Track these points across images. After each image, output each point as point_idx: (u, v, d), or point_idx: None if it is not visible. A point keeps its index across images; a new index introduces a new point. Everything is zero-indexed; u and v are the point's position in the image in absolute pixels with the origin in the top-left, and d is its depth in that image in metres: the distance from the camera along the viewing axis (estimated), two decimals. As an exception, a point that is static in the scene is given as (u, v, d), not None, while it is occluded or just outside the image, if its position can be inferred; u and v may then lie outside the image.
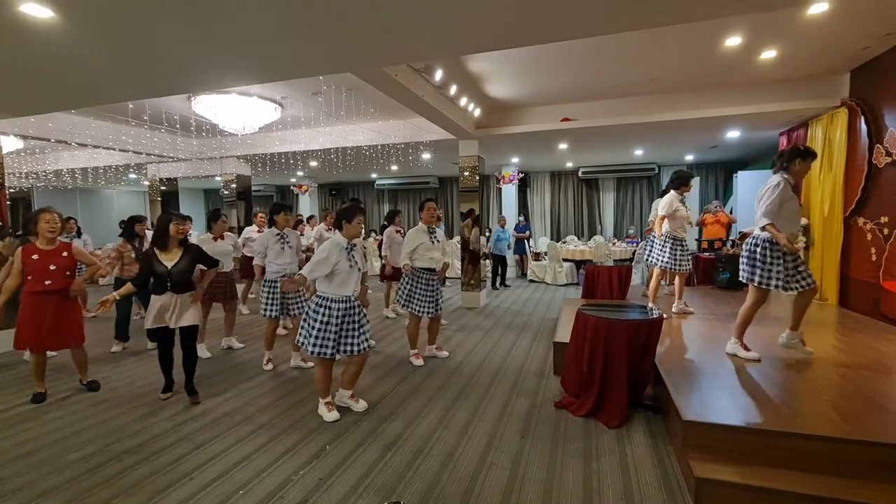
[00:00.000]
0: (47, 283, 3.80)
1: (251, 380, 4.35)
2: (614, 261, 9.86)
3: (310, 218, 9.03)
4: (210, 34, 3.58)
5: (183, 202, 13.31)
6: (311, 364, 4.56)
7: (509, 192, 12.18)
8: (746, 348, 3.69)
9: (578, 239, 12.55)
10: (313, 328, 3.30)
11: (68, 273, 3.93)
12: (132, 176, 12.96)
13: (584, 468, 2.73)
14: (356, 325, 3.39)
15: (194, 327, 3.82)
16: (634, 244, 10.25)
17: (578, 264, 10.45)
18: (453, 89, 6.28)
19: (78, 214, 13.39)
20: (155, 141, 9.10)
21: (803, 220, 6.42)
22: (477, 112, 7.38)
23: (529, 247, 11.67)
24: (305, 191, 14.85)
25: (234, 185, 10.85)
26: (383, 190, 15.56)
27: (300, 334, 3.40)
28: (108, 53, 3.95)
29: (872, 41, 4.96)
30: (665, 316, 5.07)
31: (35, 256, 3.80)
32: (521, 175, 12.24)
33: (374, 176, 14.75)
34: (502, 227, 9.89)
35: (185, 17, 3.26)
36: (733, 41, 4.98)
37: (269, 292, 4.55)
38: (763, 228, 3.45)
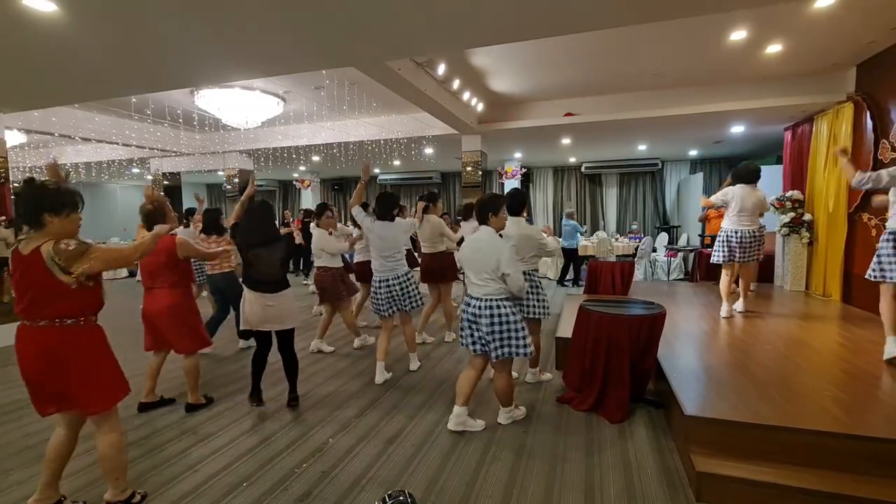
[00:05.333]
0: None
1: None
2: (617, 256, 9.84)
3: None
4: (213, 29, 3.58)
5: (186, 197, 13.35)
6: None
7: (512, 188, 12.16)
8: None
9: (581, 234, 12.52)
10: (522, 328, 3.00)
11: None
12: (135, 170, 12.99)
13: (586, 462, 2.74)
14: None
15: (291, 331, 3.53)
16: (637, 240, 10.22)
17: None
18: (456, 84, 6.26)
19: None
20: (158, 135, 9.12)
21: (807, 216, 6.39)
22: (480, 107, 7.36)
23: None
24: (308, 185, 14.84)
25: (236, 180, 10.86)
26: (386, 185, 15.55)
27: (516, 346, 2.97)
28: (111, 48, 3.95)
29: (879, 35, 4.91)
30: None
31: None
32: (523, 170, 12.20)
33: (376, 171, 14.74)
34: (573, 219, 9.37)
35: (188, 13, 3.26)
36: (738, 35, 4.95)
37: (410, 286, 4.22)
38: None
